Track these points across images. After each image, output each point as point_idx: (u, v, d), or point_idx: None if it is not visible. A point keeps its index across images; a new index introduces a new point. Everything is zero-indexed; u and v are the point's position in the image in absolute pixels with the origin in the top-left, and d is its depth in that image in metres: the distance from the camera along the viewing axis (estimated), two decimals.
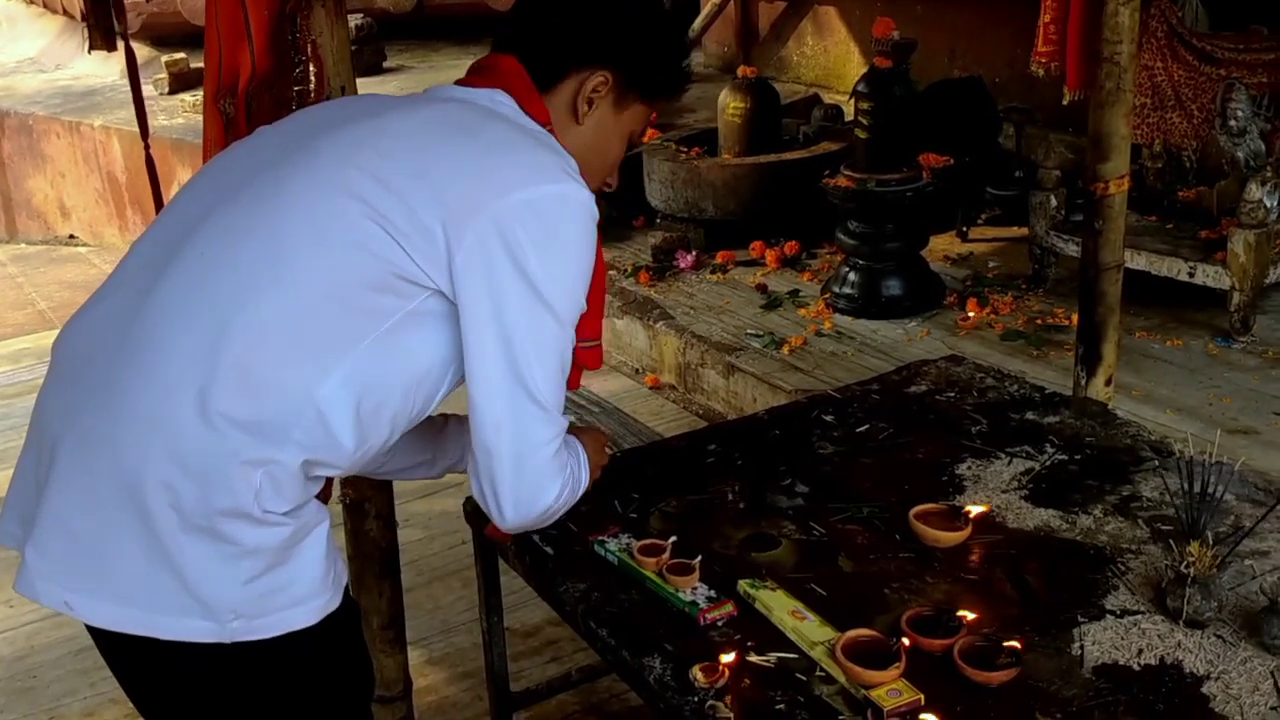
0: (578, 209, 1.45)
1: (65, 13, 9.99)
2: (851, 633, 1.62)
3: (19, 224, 8.59)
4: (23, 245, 8.37)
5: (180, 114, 7.39)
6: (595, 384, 4.26)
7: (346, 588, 1.52)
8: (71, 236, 8.14)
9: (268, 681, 1.45)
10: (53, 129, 8.00)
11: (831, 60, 6.71)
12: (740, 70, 5.17)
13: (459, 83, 1.61)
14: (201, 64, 6.96)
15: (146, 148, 2.31)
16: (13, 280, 7.34)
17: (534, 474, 1.49)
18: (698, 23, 7.14)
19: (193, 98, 7.51)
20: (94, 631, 1.44)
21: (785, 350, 3.94)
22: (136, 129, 7.58)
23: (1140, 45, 3.33)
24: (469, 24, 8.82)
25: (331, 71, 1.63)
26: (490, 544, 2.07)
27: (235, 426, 1.34)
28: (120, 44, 2.42)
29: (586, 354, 1.63)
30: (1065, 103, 2.67)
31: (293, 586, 1.41)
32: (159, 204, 2.42)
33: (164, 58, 8.08)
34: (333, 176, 1.41)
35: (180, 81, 7.89)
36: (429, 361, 1.46)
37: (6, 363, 5.22)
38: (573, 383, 1.58)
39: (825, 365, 3.82)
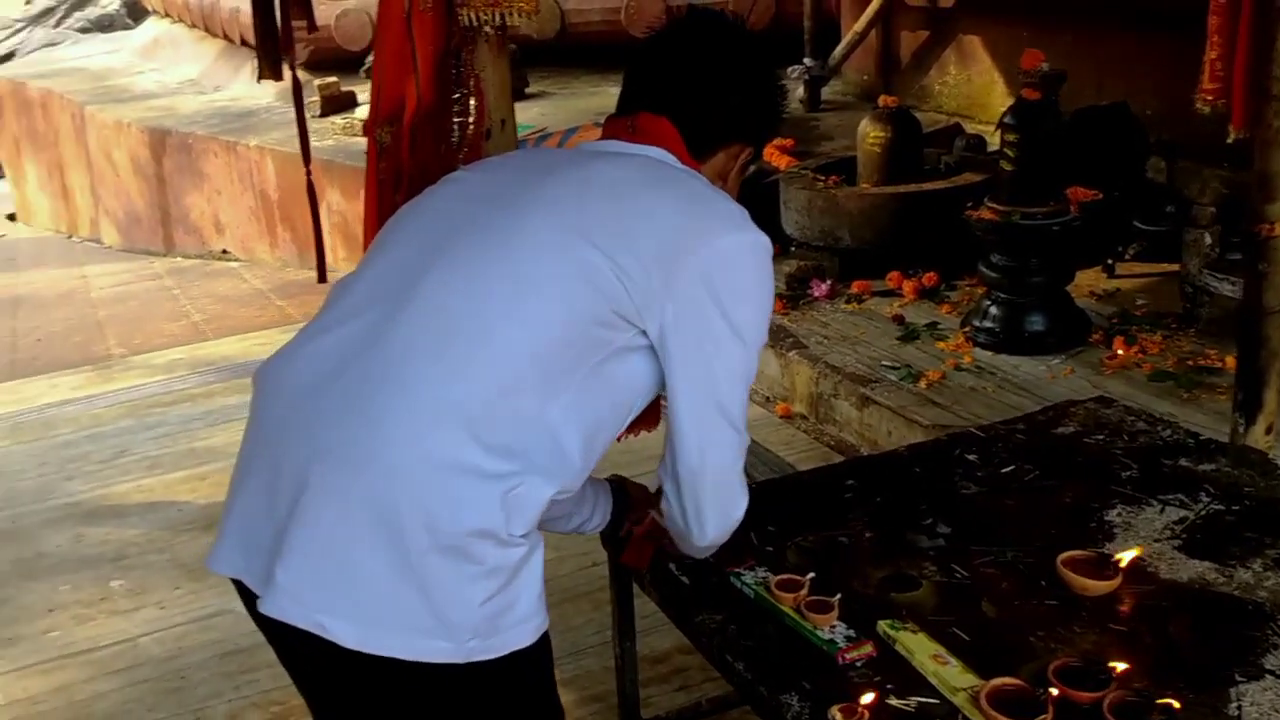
0: (765, 253, 1.60)
1: (225, 37, 10.44)
2: (996, 681, 1.58)
3: (176, 238, 9.00)
4: (178, 259, 8.76)
5: (331, 136, 7.65)
6: None
7: None
8: (224, 251, 8.48)
9: (489, 700, 1.49)
10: (211, 148, 8.36)
11: (974, 90, 6.61)
12: (881, 99, 5.13)
13: (610, 137, 1.70)
14: (352, 88, 7.16)
15: (308, 173, 2.40)
16: (169, 293, 7.68)
17: (730, 489, 1.64)
18: (838, 51, 7.11)
19: (343, 120, 7.77)
20: (303, 646, 1.45)
21: (922, 384, 3.88)
22: (289, 150, 7.89)
23: None
24: (608, 51, 8.95)
25: (492, 105, 1.67)
26: (626, 570, 2.08)
27: (489, 450, 1.42)
28: (287, 72, 2.51)
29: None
30: (1230, 141, 2.58)
31: (517, 606, 1.47)
32: (317, 226, 2.51)
33: (316, 81, 8.37)
34: (567, 221, 1.52)
35: (332, 104, 8.17)
36: (626, 392, 1.56)
37: (160, 372, 5.45)
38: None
39: (964, 401, 3.75)
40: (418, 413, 1.42)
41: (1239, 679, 1.63)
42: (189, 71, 10.86)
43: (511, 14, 1.56)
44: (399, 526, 1.39)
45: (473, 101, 1.61)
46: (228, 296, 7.31)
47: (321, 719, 1.66)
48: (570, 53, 8.77)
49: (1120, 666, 1.62)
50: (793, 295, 4.75)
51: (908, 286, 4.65)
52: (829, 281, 4.77)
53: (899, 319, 4.45)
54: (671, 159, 1.64)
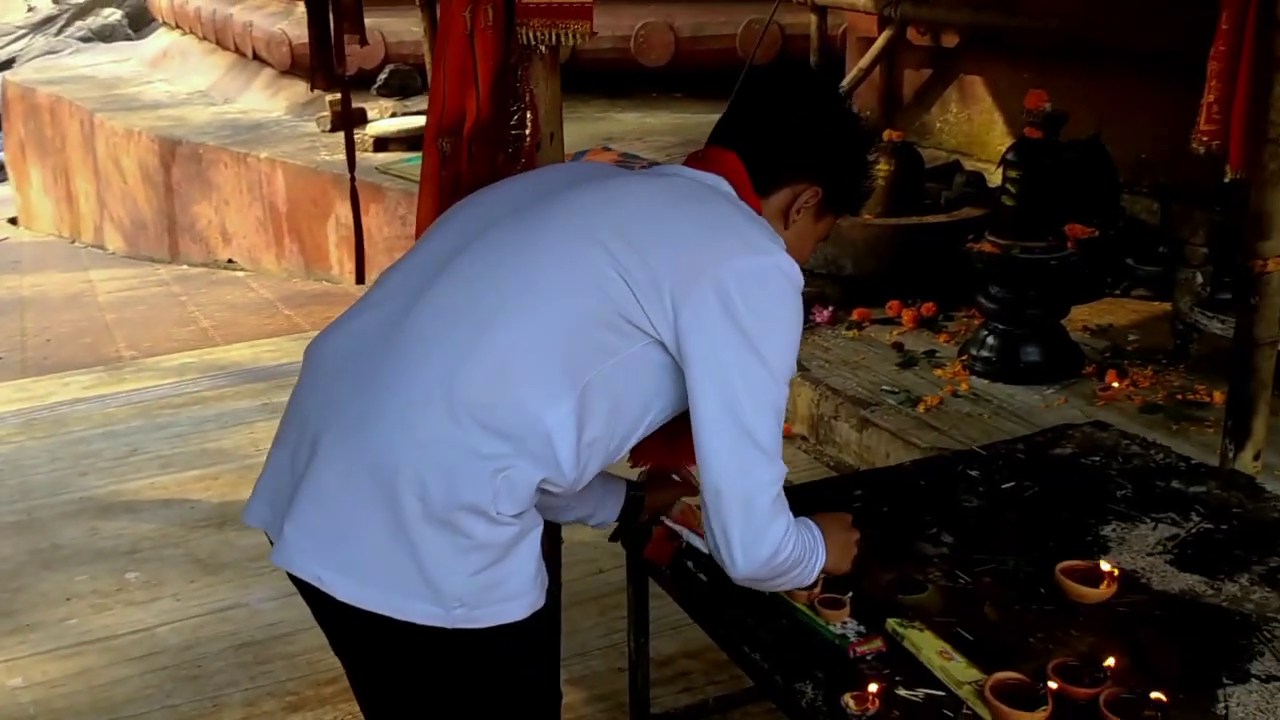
0: (788, 279, 1.62)
1: (236, 50, 10.55)
2: (999, 675, 1.68)
3: (181, 246, 9.07)
4: (184, 266, 8.82)
5: (341, 150, 7.75)
6: None
7: (549, 592, 1.64)
8: (230, 261, 8.56)
9: (476, 668, 1.59)
10: (221, 158, 8.45)
11: (974, 128, 6.75)
12: (886, 134, 5.27)
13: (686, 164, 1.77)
14: (361, 104, 7.24)
15: (353, 180, 2.51)
16: (176, 299, 7.75)
17: (759, 514, 1.61)
18: (843, 86, 7.26)
19: (356, 135, 7.87)
20: (317, 598, 1.56)
21: (921, 409, 3.99)
22: (300, 162, 7.94)
23: None
24: (618, 78, 9.08)
25: (544, 119, 1.79)
26: (646, 566, 2.17)
27: (484, 432, 1.51)
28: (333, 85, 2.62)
29: None
30: (1226, 180, 2.71)
31: (509, 582, 1.56)
32: (359, 228, 2.62)
33: (327, 97, 8.48)
34: (583, 226, 1.60)
35: (341, 119, 8.27)
36: (635, 403, 1.62)
37: (172, 375, 5.51)
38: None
39: (960, 425, 3.87)
40: (418, 389, 1.52)
41: (1226, 681, 1.73)
42: (198, 83, 10.95)
43: (568, 34, 1.68)
44: (394, 493, 1.50)
45: (529, 115, 1.72)
46: (235, 304, 7.38)
47: (347, 670, 1.75)
48: (579, 78, 8.89)
49: (1114, 664, 1.73)
50: None
51: (907, 315, 4.78)
52: (831, 308, 4.89)
53: (898, 346, 4.57)
54: (727, 187, 1.70)
